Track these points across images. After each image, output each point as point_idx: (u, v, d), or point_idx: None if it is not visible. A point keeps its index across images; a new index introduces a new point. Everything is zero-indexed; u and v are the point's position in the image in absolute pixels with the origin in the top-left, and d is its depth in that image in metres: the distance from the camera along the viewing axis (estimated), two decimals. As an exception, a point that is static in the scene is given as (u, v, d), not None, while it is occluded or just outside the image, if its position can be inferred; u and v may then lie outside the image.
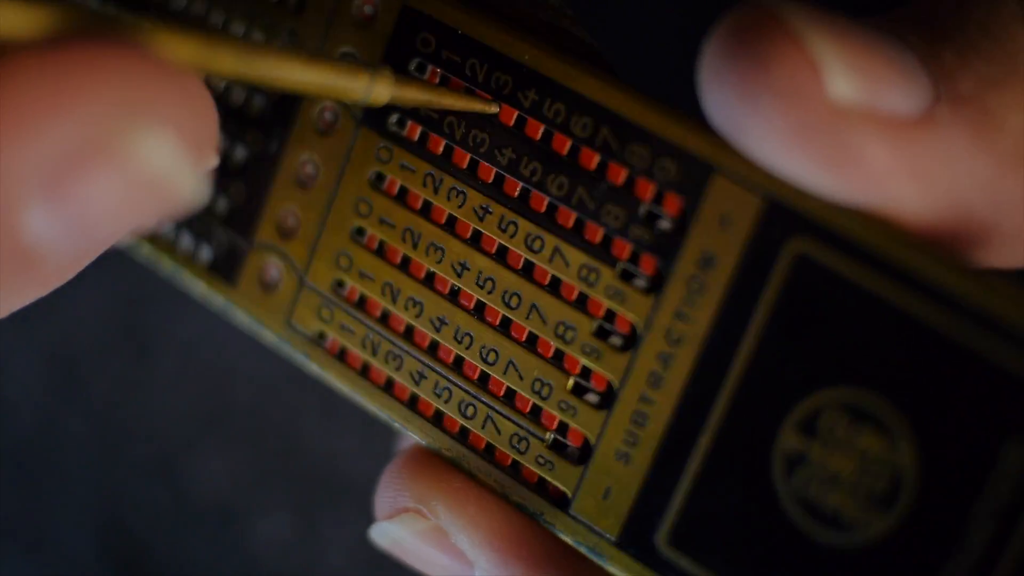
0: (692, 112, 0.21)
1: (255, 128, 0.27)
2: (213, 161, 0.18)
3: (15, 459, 0.47)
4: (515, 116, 0.23)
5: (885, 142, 0.19)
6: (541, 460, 0.23)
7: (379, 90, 0.22)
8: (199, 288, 0.27)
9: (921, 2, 0.21)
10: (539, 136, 0.23)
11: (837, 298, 0.20)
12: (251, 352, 0.47)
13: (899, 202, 0.20)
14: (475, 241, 0.24)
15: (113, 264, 0.46)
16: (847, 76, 0.19)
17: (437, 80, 0.24)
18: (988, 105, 0.20)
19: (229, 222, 0.27)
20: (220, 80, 0.20)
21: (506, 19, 0.24)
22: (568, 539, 0.23)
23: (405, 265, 0.25)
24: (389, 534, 0.25)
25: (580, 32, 0.23)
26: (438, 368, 0.24)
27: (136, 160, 0.17)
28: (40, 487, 0.47)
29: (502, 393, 0.24)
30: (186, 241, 0.27)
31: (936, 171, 0.20)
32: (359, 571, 0.45)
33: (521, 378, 0.24)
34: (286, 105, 0.26)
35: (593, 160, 0.23)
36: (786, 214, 0.21)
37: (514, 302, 0.24)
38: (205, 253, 0.27)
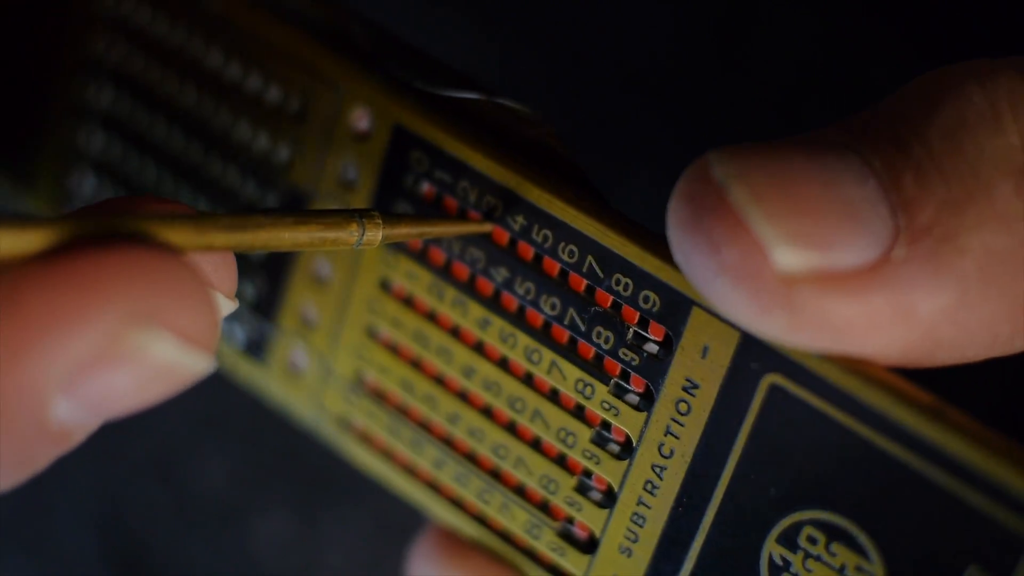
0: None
1: None
2: (214, 343, 0.20)
3: (15, 459, 0.47)
4: (507, 237, 0.24)
5: (841, 298, 0.20)
6: (553, 546, 0.25)
7: (370, 236, 0.23)
8: (231, 367, 0.28)
9: (892, 102, 0.21)
10: (530, 258, 0.24)
11: (810, 427, 0.21)
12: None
13: (864, 348, 0.20)
14: (479, 349, 0.25)
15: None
16: (792, 248, 0.20)
17: (433, 196, 0.25)
18: (948, 231, 0.20)
19: (256, 308, 0.28)
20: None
21: (492, 135, 0.24)
22: None
23: (418, 365, 0.26)
24: None
25: (563, 150, 0.24)
26: (456, 457, 0.26)
27: (144, 358, 0.19)
28: (40, 487, 0.47)
29: (514, 485, 0.25)
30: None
31: (897, 314, 0.20)
32: (359, 571, 0.45)
33: (530, 473, 0.25)
34: (295, 207, 0.27)
35: (581, 284, 0.24)
36: (762, 349, 0.22)
37: (519, 406, 0.25)
38: (238, 335, 0.28)
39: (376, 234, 0.23)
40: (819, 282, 0.20)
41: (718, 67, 0.40)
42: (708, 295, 0.20)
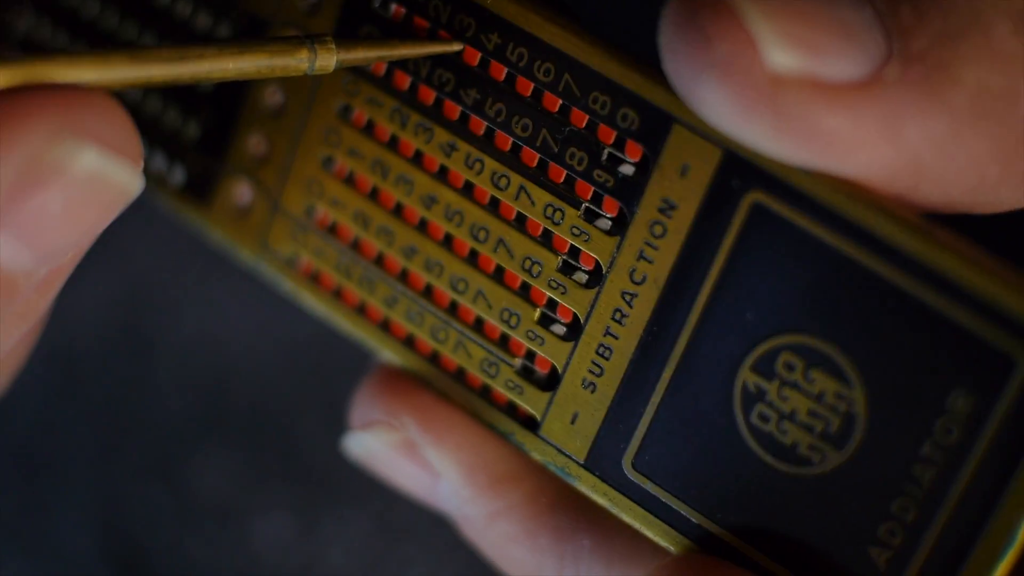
0: (656, 60, 0.21)
1: None
2: (139, 160, 0.20)
3: (15, 459, 0.47)
4: (479, 57, 0.23)
5: (828, 108, 0.20)
6: (510, 384, 0.24)
7: (323, 62, 0.22)
8: (172, 208, 0.27)
9: None
10: (503, 78, 0.23)
11: (792, 247, 0.20)
12: (251, 352, 0.47)
13: (848, 165, 0.20)
14: (442, 176, 0.24)
15: (113, 264, 0.46)
16: (783, 47, 0.19)
17: (402, 16, 0.24)
18: (942, 61, 0.20)
19: (201, 146, 0.26)
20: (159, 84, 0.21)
21: None
22: (538, 458, 0.24)
23: (375, 195, 0.25)
24: (362, 444, 0.26)
25: None
26: (410, 294, 0.24)
27: (70, 172, 0.19)
28: (40, 487, 0.47)
29: (472, 320, 0.24)
30: (158, 162, 0.27)
31: (884, 133, 0.20)
32: (359, 571, 0.45)
33: (490, 307, 0.24)
34: (251, 33, 0.26)
35: (556, 104, 0.23)
36: (744, 166, 0.21)
37: (482, 235, 0.24)
38: (178, 175, 0.27)
39: (330, 59, 0.22)
40: (808, 88, 0.20)
41: None
42: (693, 93, 0.20)
